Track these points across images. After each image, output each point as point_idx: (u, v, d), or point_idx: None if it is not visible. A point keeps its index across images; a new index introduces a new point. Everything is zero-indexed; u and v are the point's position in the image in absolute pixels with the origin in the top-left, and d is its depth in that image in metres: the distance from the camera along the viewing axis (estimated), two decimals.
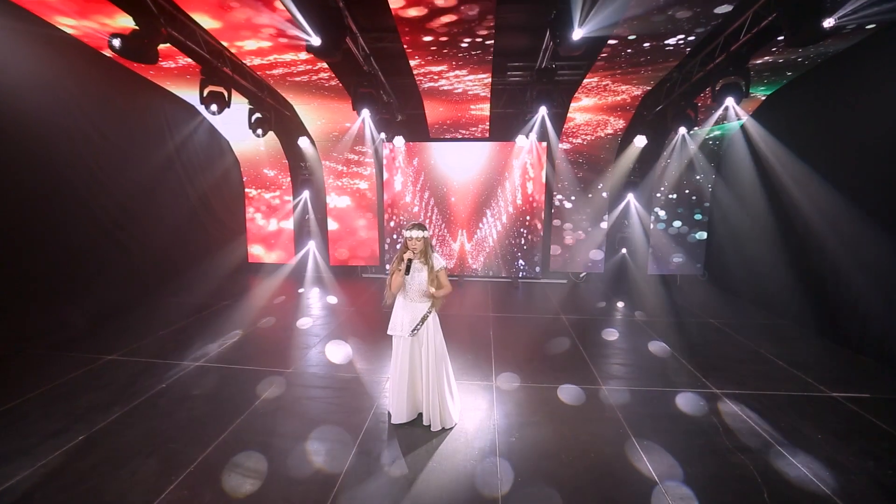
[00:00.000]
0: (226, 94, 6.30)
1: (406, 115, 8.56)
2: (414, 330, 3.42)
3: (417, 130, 8.91)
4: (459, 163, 9.33)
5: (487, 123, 8.39)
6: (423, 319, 3.43)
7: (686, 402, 4.11)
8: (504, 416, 3.82)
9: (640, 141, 8.36)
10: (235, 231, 9.55)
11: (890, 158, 4.92)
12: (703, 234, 9.06)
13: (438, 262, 3.45)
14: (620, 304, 7.64)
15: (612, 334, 6.04)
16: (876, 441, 3.50)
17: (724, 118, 7.33)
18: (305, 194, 9.57)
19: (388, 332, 3.54)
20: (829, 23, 3.88)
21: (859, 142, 5.32)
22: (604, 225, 9.23)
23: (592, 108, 7.60)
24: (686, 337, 5.89)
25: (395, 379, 3.54)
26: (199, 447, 3.30)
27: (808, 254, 6.23)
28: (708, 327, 6.34)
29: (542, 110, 6.17)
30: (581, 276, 9.57)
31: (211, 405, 3.96)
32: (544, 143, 8.46)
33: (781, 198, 6.68)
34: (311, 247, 9.79)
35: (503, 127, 8.74)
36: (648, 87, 6.62)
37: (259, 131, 7.28)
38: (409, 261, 3.35)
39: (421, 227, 3.39)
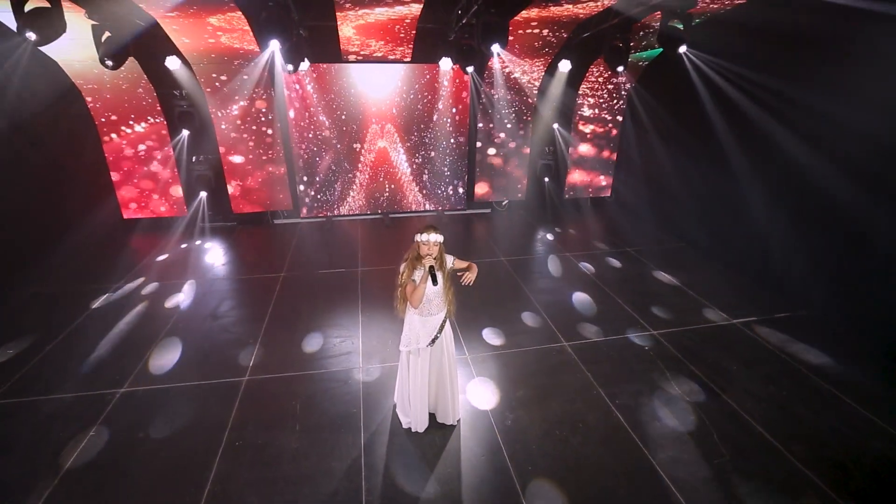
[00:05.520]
0: (49, 5, 4.30)
1: (309, 29, 6.97)
2: (432, 342, 3.23)
3: (325, 49, 7.40)
4: (375, 87, 8.21)
5: (412, 36, 7.20)
6: (441, 328, 3.23)
7: (636, 349, 4.69)
8: (491, 394, 3.99)
9: (565, 66, 8.13)
10: (98, 184, 7.51)
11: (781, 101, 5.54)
12: (612, 157, 9.69)
13: (449, 261, 3.23)
14: (551, 237, 8.10)
15: (553, 278, 6.45)
16: (771, 364, 4.47)
17: (650, 45, 7.39)
18: (186, 131, 7.69)
19: (402, 349, 3.29)
20: None
21: (769, 74, 5.75)
22: (526, 152, 9.26)
23: (527, 33, 7.01)
24: (615, 272, 6.56)
25: (412, 391, 3.36)
26: None
27: (701, 180, 7.13)
28: (629, 258, 7.12)
29: (496, 49, 5.42)
30: (503, 204, 9.77)
31: (170, 449, 3.41)
32: (471, 69, 7.71)
33: (685, 126, 7.32)
34: (203, 197, 8.21)
35: (426, 46, 7.68)
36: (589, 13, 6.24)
37: (109, 62, 5.32)
38: (432, 268, 2.99)
39: (436, 229, 3.06)
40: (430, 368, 3.35)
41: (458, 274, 3.28)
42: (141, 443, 3.47)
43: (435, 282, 3.00)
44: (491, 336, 4.91)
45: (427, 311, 3.18)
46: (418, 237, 3.07)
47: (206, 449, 3.40)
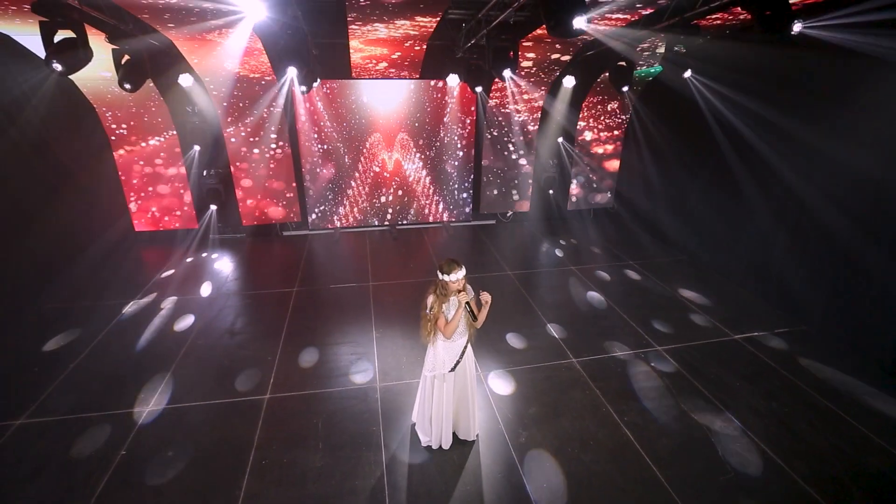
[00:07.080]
0: (76, 36, 4.42)
1: (319, 47, 7.12)
2: (455, 366, 3.40)
3: (335, 66, 7.56)
4: (384, 102, 8.40)
5: (422, 51, 7.35)
6: (463, 353, 3.41)
7: (641, 366, 4.86)
8: (504, 411, 4.14)
9: (569, 81, 8.29)
10: (111, 198, 7.63)
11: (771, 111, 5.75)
12: (615, 170, 9.88)
13: (470, 292, 3.35)
14: (555, 249, 8.26)
15: (558, 292, 6.61)
16: (771, 380, 4.65)
17: (652, 63, 7.58)
18: (197, 146, 7.82)
19: (427, 373, 3.46)
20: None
21: (760, 96, 5.98)
22: (531, 164, 9.44)
23: (533, 51, 7.20)
24: (619, 286, 6.73)
25: (435, 412, 3.52)
26: None
27: (703, 195, 7.32)
28: (631, 271, 7.29)
29: (507, 75, 5.57)
30: (508, 215, 9.94)
31: (199, 468, 3.55)
32: (479, 88, 7.89)
33: (687, 142, 7.52)
34: (213, 210, 8.34)
35: (434, 62, 7.83)
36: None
37: (128, 85, 5.46)
38: (469, 304, 3.21)
39: (458, 263, 3.19)
40: (454, 391, 3.51)
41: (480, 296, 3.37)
42: (171, 462, 3.60)
43: (475, 317, 3.22)
44: (502, 353, 5.06)
45: (451, 337, 3.35)
46: (445, 277, 3.15)
47: (235, 467, 3.54)
